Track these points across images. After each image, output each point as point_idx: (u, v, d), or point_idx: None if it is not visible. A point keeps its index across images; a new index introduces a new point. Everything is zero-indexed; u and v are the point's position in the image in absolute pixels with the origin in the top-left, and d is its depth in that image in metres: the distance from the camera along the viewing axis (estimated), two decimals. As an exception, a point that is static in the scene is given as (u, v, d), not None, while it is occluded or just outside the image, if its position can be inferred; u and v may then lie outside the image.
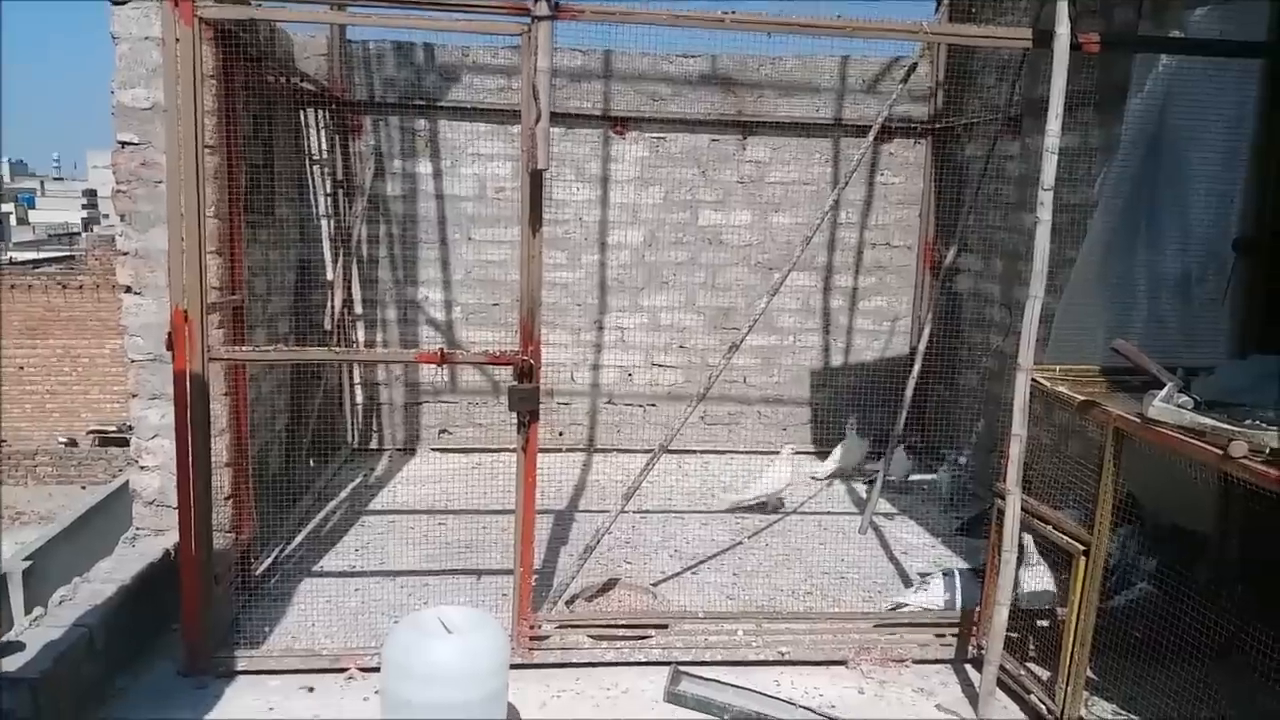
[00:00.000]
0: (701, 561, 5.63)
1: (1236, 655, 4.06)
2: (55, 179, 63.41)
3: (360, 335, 7.49)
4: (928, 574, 5.24)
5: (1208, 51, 4.53)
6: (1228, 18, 4.52)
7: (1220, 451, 3.16)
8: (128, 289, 4.86)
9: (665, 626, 4.58)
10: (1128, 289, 4.97)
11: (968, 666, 4.52)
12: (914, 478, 7.05)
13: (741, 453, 7.78)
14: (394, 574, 5.22)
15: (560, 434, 7.85)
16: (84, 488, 15.36)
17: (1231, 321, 4.70)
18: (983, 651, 4.27)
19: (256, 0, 4.16)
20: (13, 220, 43.70)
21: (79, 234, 36.09)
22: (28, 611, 7.43)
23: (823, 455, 7.67)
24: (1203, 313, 4.78)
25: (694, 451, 7.67)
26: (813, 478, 7.19)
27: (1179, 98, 4.76)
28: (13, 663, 3.63)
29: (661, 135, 7.59)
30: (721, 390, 7.64)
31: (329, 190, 7.09)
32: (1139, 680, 4.03)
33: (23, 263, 23.96)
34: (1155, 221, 4.90)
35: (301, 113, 6.69)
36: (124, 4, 4.67)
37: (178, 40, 3.85)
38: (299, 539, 5.68)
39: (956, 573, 5.05)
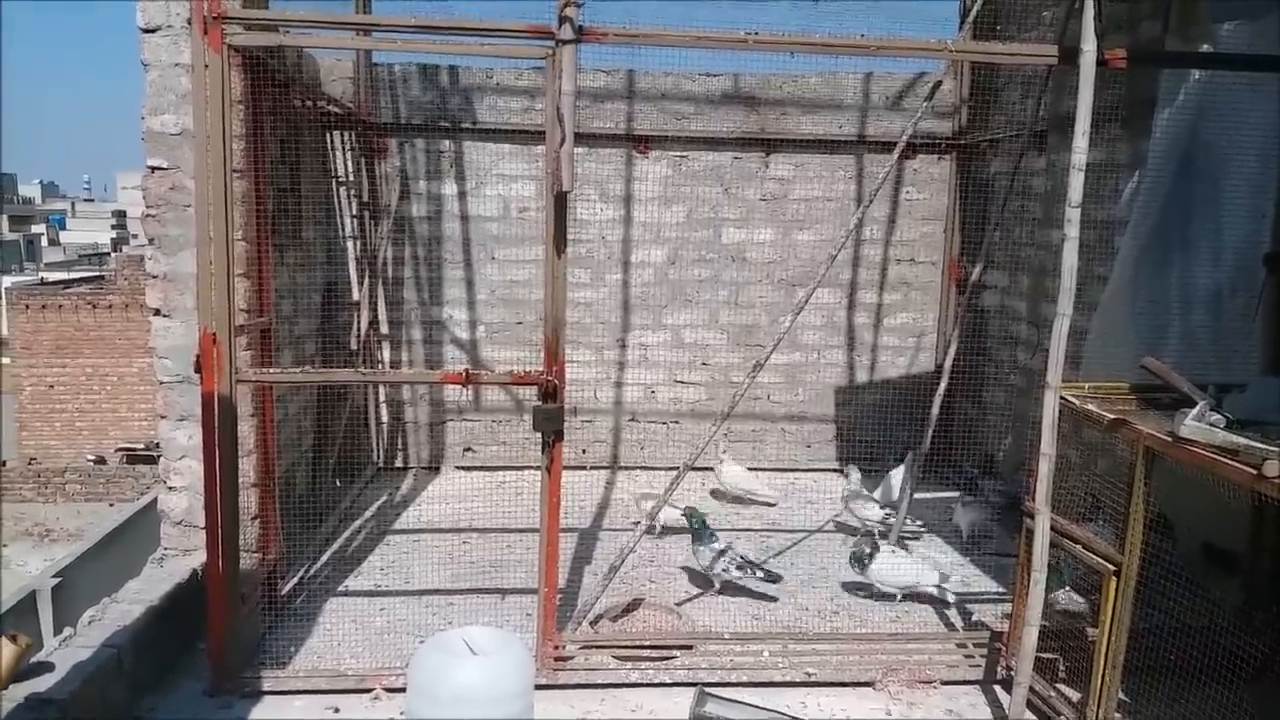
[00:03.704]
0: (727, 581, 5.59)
1: (1271, 677, 3.99)
2: (86, 200, 64.31)
3: (386, 355, 7.53)
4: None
5: (1235, 66, 4.50)
6: (1258, 32, 4.49)
7: (1254, 471, 3.12)
8: (156, 311, 4.92)
9: (690, 647, 4.56)
10: (1159, 305, 4.92)
11: (997, 688, 4.47)
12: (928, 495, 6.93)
13: (766, 469, 7.75)
14: (419, 593, 5.23)
15: (584, 452, 7.84)
16: (112, 505, 15.51)
17: (1263, 338, 4.65)
18: (1012, 672, 4.22)
19: (284, 28, 4.20)
20: (44, 241, 44.32)
21: (108, 254, 36.59)
22: (57, 631, 7.49)
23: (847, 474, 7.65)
24: (1234, 329, 4.73)
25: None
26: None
27: (1209, 112, 4.73)
28: (43, 683, 3.66)
29: (684, 154, 7.60)
30: (745, 408, 7.60)
31: (355, 212, 7.15)
32: (1171, 702, 3.96)
33: (54, 283, 24.29)
34: (1185, 237, 4.86)
35: (328, 135, 6.75)
36: (154, 32, 4.74)
37: (207, 67, 3.91)
38: (325, 558, 5.70)
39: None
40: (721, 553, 5.26)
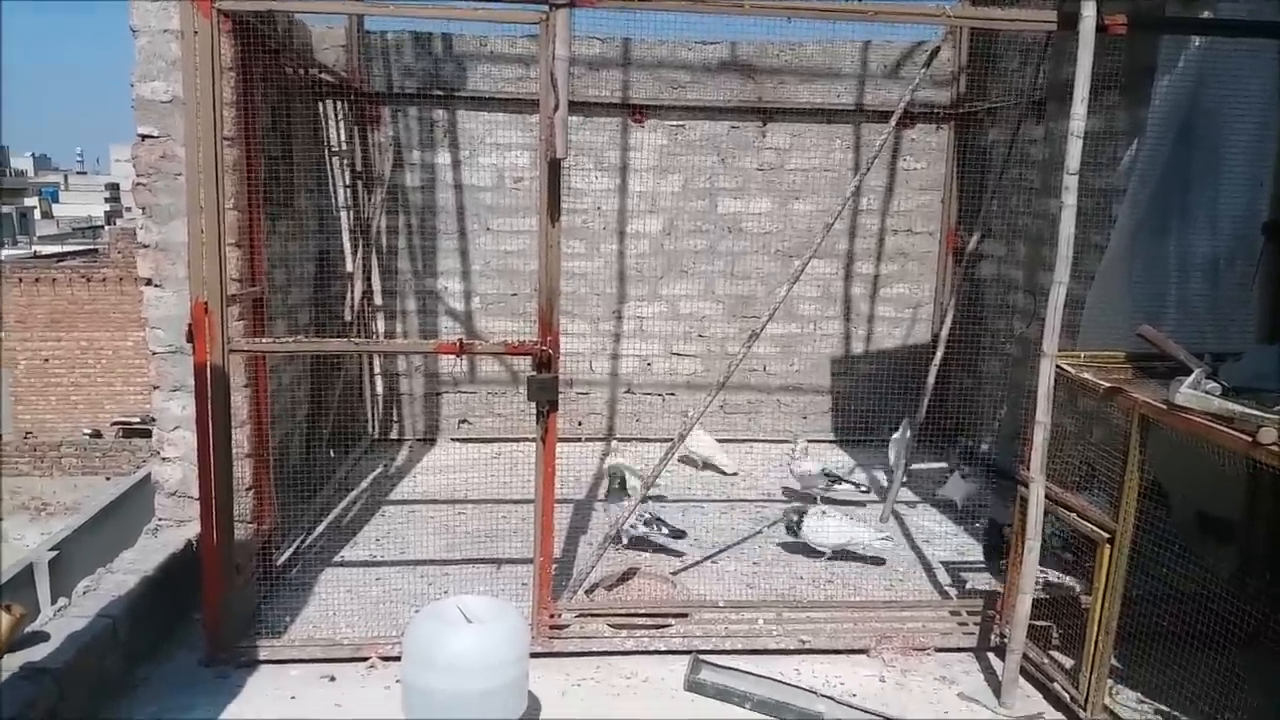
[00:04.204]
0: (721, 550, 5.61)
1: (1263, 643, 4.01)
2: (79, 173, 63.75)
3: (380, 326, 7.51)
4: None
5: (1235, 32, 4.45)
6: (1258, -3, 4.45)
7: (1249, 438, 3.12)
8: (148, 281, 4.89)
9: (685, 615, 4.58)
10: (1156, 274, 4.90)
11: (990, 655, 4.49)
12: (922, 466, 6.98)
13: (761, 441, 7.76)
14: (414, 563, 5.23)
15: (579, 424, 7.84)
16: (108, 478, 15.51)
17: (1260, 306, 4.63)
18: (1006, 639, 4.24)
19: (273, -9, 4.16)
20: (37, 214, 44.01)
21: (102, 227, 36.37)
22: (53, 601, 7.50)
23: (843, 444, 7.68)
24: (1231, 298, 4.72)
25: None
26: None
27: (1209, 80, 4.68)
28: (38, 653, 3.66)
29: (680, 123, 7.55)
30: (741, 379, 7.60)
31: (348, 181, 7.10)
32: (1164, 668, 3.98)
33: (47, 256, 24.17)
34: (1184, 205, 4.83)
35: (320, 104, 6.69)
36: (142, -4, 4.68)
37: (196, 33, 3.86)
38: (320, 529, 5.70)
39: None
40: (632, 510, 5.41)
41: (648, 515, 5.49)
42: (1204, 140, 4.75)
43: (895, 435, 6.61)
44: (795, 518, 5.48)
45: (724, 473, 6.98)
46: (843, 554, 5.42)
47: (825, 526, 5.38)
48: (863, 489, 6.33)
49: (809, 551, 5.47)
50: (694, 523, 6.03)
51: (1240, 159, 4.68)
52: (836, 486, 6.28)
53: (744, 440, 7.76)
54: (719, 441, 7.14)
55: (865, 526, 5.53)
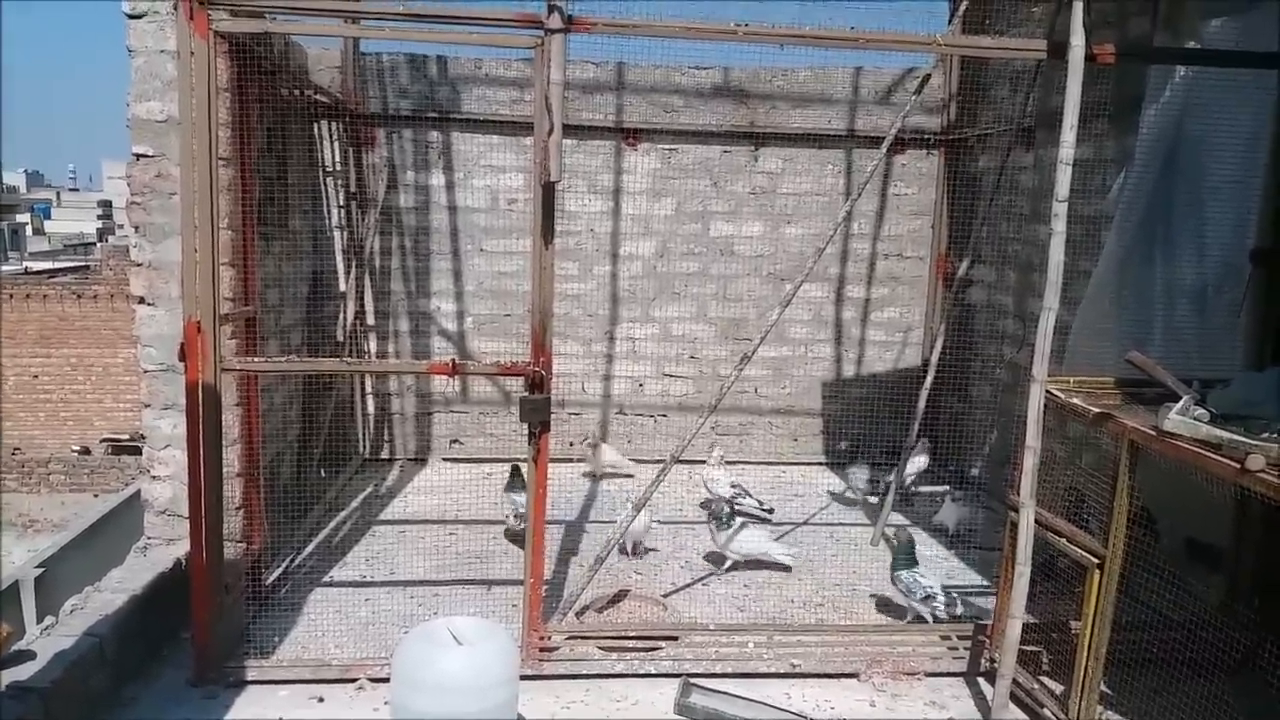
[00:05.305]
0: (712, 573, 5.61)
1: (1252, 670, 4.01)
2: (71, 190, 63.73)
3: (372, 346, 7.51)
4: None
5: (1223, 63, 4.51)
6: (1244, 29, 4.51)
7: (1237, 465, 3.14)
8: (141, 300, 4.89)
9: (675, 638, 4.57)
10: (1144, 301, 4.94)
11: (981, 680, 4.49)
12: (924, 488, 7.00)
13: (753, 463, 7.77)
14: (404, 584, 5.22)
15: (571, 445, 7.83)
16: (96, 495, 15.43)
17: (1248, 333, 4.67)
18: (996, 664, 4.24)
19: (270, 14, 4.17)
20: (29, 231, 43.94)
21: (94, 244, 36.30)
22: (39, 620, 7.44)
23: (833, 467, 7.69)
24: (1219, 324, 4.75)
25: (705, 462, 7.64)
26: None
27: (1195, 108, 4.74)
28: (24, 671, 3.64)
29: (674, 147, 7.59)
30: (733, 401, 7.59)
31: (342, 202, 7.12)
32: (1154, 695, 3.98)
33: (38, 272, 24.10)
34: (1171, 233, 4.87)
35: (315, 125, 6.72)
36: (140, 18, 4.71)
37: (192, 53, 3.88)
38: (310, 549, 5.68)
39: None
40: (516, 503, 5.63)
41: (520, 510, 5.64)
42: (1191, 168, 4.80)
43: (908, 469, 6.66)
44: (727, 509, 5.62)
45: (628, 475, 7.28)
46: (754, 563, 5.65)
47: (745, 537, 5.58)
48: (765, 508, 6.39)
49: (719, 556, 5.68)
50: (684, 544, 6.04)
51: (1227, 186, 4.72)
52: (741, 500, 6.37)
53: (735, 462, 7.75)
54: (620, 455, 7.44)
55: (776, 541, 5.73)
